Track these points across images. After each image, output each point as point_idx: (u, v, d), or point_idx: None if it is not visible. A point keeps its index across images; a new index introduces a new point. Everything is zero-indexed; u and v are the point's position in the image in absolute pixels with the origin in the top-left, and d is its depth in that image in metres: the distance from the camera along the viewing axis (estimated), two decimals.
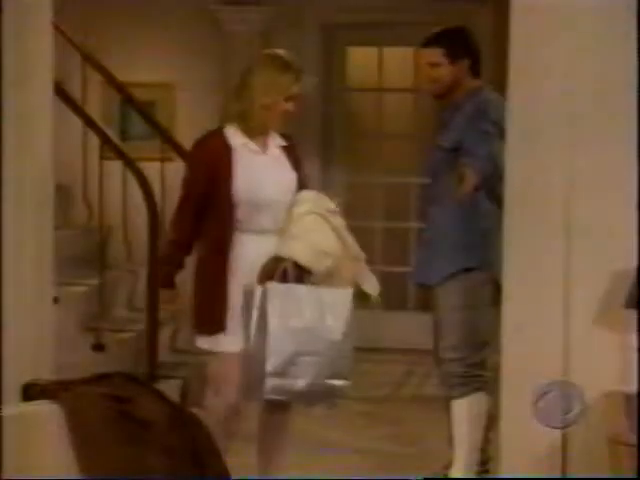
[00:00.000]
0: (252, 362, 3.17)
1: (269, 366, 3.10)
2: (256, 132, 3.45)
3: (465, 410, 3.64)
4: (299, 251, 3.23)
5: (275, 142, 3.53)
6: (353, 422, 4.86)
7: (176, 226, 3.44)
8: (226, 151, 3.39)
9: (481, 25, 6.23)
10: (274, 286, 3.16)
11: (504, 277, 3.41)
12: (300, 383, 3.12)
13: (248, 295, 3.22)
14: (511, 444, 3.40)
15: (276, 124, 3.49)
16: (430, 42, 3.82)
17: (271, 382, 3.10)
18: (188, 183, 3.44)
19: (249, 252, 3.35)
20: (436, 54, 3.80)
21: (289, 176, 3.48)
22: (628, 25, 3.28)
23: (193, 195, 3.41)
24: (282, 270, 3.22)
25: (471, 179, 3.63)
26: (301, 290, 3.22)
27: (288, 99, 3.46)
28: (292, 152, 3.57)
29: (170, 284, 3.48)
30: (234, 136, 3.43)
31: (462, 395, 3.67)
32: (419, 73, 4.00)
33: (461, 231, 3.75)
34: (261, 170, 3.42)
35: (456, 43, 3.82)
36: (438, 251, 3.79)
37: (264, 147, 3.49)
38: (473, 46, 3.88)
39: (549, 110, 3.32)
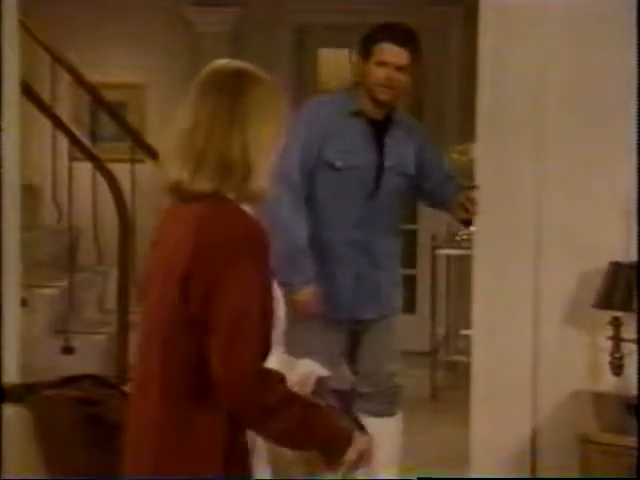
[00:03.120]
0: None
1: None
2: None
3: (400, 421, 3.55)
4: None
5: None
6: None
7: None
8: None
9: (453, 27, 6.26)
10: None
11: (474, 276, 3.42)
12: None
13: None
14: (481, 444, 3.41)
15: None
16: (402, 40, 3.27)
17: None
18: None
19: None
20: (405, 56, 3.27)
21: None
22: (598, 26, 3.30)
23: None
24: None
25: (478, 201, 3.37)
26: None
27: None
28: None
29: None
30: None
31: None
32: (370, 72, 3.28)
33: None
34: None
35: (418, 46, 3.33)
36: (395, 278, 3.54)
37: None
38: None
39: (517, 110, 3.34)
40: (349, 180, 3.29)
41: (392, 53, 3.25)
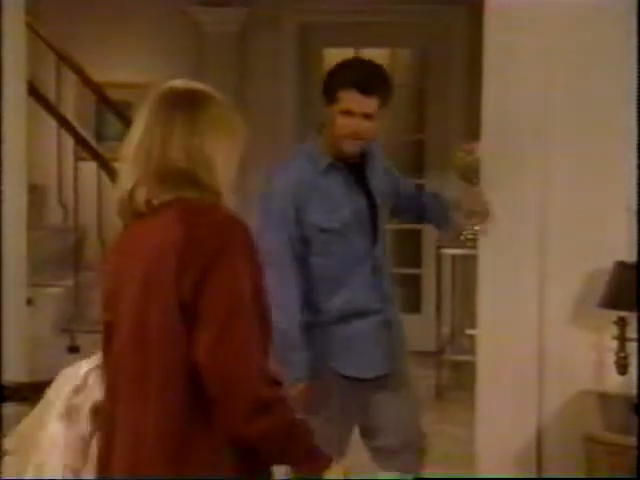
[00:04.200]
0: None
1: None
2: None
3: None
4: None
5: None
6: None
7: None
8: None
9: (456, 26, 6.26)
10: None
11: (479, 276, 3.42)
12: None
13: None
14: (486, 443, 3.41)
15: None
16: (369, 87, 2.85)
17: None
18: None
19: None
20: (373, 103, 2.86)
21: None
22: (600, 25, 3.30)
23: None
24: None
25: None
26: None
27: None
28: None
29: None
30: None
31: None
32: (334, 121, 2.88)
33: None
34: None
35: (388, 89, 2.93)
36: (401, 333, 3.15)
37: None
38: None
39: (523, 108, 3.34)
40: (348, 235, 2.95)
41: (358, 102, 2.84)
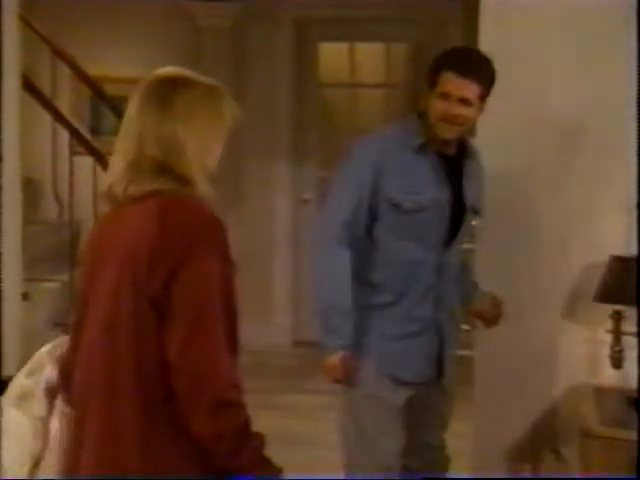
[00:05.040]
0: None
1: None
2: None
3: None
4: None
5: None
6: (324, 415, 4.86)
7: None
8: None
9: (451, 21, 6.25)
10: None
11: (476, 270, 3.42)
12: None
13: None
14: (482, 438, 3.42)
15: None
16: (468, 70, 2.76)
17: None
18: None
19: None
20: (472, 88, 2.77)
21: None
22: (598, 21, 3.30)
23: None
24: None
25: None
26: None
27: None
28: None
29: None
30: None
31: None
32: (431, 104, 2.80)
33: None
34: None
35: (491, 76, 2.82)
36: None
37: None
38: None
39: (519, 103, 3.34)
40: (422, 224, 2.82)
41: (455, 84, 2.75)
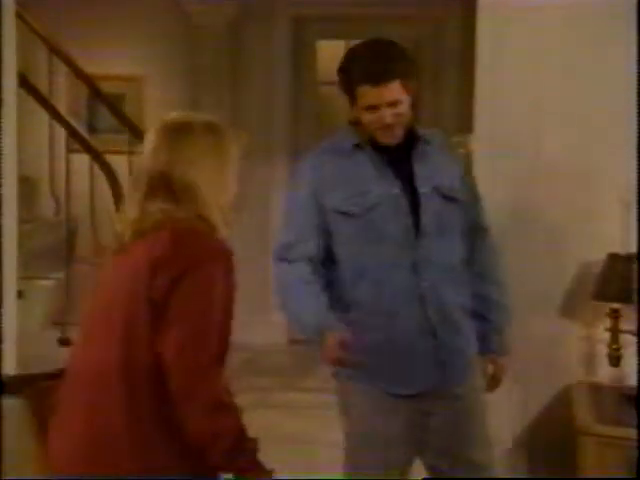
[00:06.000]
0: None
1: None
2: None
3: None
4: None
5: None
6: (320, 413, 4.86)
7: None
8: None
9: (449, 20, 6.25)
10: None
11: None
12: None
13: None
14: None
15: None
16: (383, 76, 2.56)
17: None
18: None
19: None
20: (394, 89, 2.57)
21: None
22: (596, 19, 3.30)
23: None
24: None
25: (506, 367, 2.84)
26: None
27: None
28: None
29: None
30: None
31: None
32: (362, 118, 2.63)
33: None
34: None
35: (408, 65, 2.60)
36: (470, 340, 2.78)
37: None
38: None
39: (517, 102, 3.34)
40: (379, 224, 2.64)
41: (375, 95, 2.57)
